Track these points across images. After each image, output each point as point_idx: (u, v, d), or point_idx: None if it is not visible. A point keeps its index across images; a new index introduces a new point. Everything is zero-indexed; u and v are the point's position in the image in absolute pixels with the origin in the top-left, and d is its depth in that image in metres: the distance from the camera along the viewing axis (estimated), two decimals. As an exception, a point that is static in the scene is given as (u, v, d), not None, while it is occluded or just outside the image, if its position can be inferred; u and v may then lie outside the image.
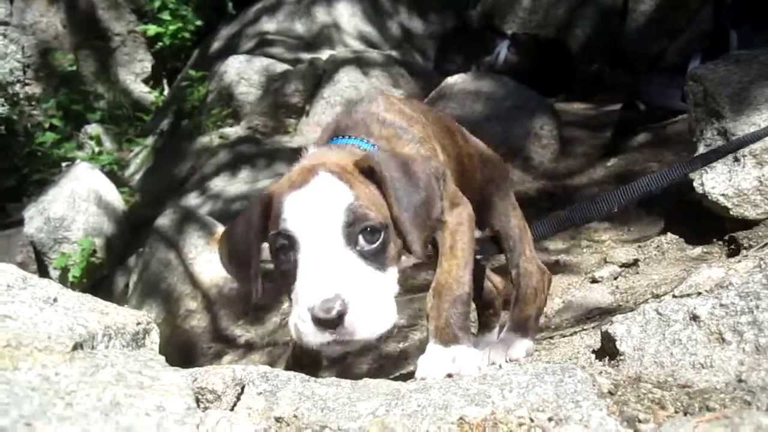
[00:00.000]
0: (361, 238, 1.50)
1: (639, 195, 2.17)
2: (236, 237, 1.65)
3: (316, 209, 1.49)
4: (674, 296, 1.75)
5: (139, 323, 1.30)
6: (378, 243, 1.51)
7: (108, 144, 7.48)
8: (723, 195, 2.79)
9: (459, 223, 1.68)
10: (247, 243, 1.60)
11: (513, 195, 2.12)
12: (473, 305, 1.99)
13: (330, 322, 1.40)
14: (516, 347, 1.90)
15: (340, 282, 1.43)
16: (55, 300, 1.22)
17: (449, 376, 1.46)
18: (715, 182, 2.83)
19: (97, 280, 5.63)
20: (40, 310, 1.17)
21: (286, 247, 1.51)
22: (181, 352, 4.28)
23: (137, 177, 6.93)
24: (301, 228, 1.49)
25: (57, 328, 1.11)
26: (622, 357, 1.50)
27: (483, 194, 2.01)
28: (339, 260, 1.46)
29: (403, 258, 1.64)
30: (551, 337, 2.22)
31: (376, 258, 1.51)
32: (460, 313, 1.62)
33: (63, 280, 5.56)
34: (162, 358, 1.23)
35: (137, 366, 1.13)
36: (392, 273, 1.57)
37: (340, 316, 1.40)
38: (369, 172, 1.57)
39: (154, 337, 1.35)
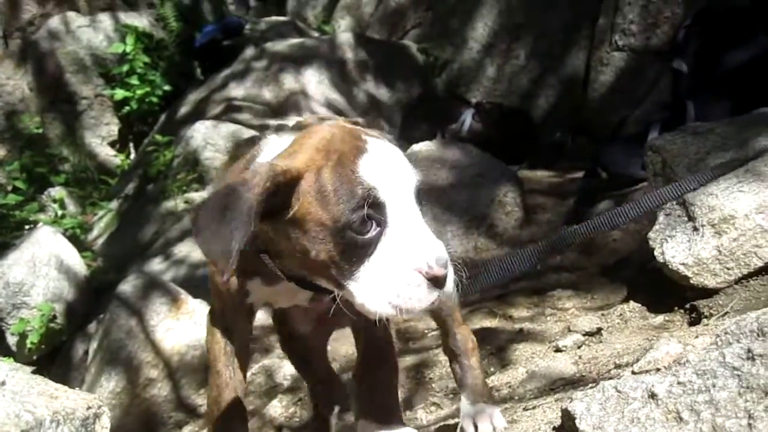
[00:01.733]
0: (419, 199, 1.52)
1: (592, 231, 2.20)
2: (228, 206, 1.47)
3: (400, 172, 1.48)
4: (633, 372, 1.75)
5: (89, 407, 1.27)
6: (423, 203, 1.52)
7: (72, 207, 7.42)
8: (683, 264, 2.83)
9: None
10: (242, 215, 1.43)
11: None
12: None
13: (443, 278, 1.41)
14: (497, 417, 1.98)
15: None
16: (2, 383, 1.19)
17: None
18: (675, 251, 2.87)
19: (56, 347, 5.52)
20: (-13, 395, 1.14)
21: (372, 216, 1.44)
22: (142, 421, 4.20)
23: (100, 241, 6.86)
24: (391, 192, 1.45)
25: (3, 415, 1.08)
26: (581, 436, 1.49)
27: None
28: (423, 220, 1.48)
29: None
30: (514, 410, 2.21)
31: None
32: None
33: (21, 345, 5.45)
34: (112, 445, 1.20)
35: (85, 454, 1.10)
36: None
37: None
38: None
39: (105, 422, 1.31)
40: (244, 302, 1.79)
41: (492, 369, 3.22)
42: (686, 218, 2.90)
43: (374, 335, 1.75)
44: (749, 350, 1.45)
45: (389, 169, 1.47)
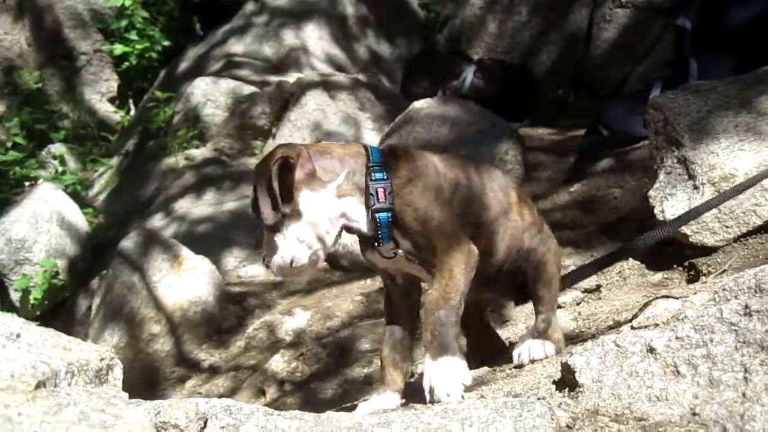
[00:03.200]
0: None
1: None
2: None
3: None
4: (632, 328, 1.78)
5: (102, 359, 1.30)
6: None
7: (72, 164, 7.40)
8: (682, 222, 2.85)
9: (451, 250, 1.87)
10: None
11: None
12: None
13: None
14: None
15: None
16: (18, 336, 1.22)
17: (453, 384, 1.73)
18: (675, 209, 2.89)
19: (58, 303, 5.56)
20: (3, 347, 1.16)
21: None
22: (144, 376, 4.25)
23: (101, 198, 6.87)
24: None
25: (20, 366, 1.11)
26: (581, 389, 1.52)
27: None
28: None
29: None
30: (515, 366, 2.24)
31: None
32: (445, 324, 1.80)
33: (24, 301, 5.49)
34: (125, 395, 1.23)
35: (100, 404, 1.13)
36: None
37: None
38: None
39: (118, 373, 1.35)
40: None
41: (492, 325, 3.26)
42: (687, 176, 2.92)
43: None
44: (746, 306, 1.47)
45: None
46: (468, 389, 1.80)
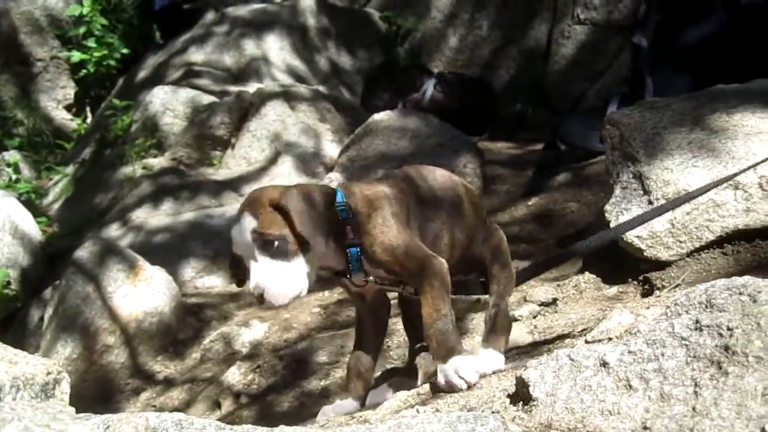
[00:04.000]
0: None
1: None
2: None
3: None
4: (586, 342, 1.80)
5: (49, 373, 1.27)
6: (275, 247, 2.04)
7: (26, 172, 7.28)
8: (638, 237, 2.89)
9: (424, 270, 2.05)
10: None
11: None
12: None
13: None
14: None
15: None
16: (-40, 349, 1.19)
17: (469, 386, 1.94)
18: (630, 224, 2.92)
19: (10, 313, 5.43)
20: (-56, 360, 1.13)
21: None
22: (98, 388, 4.18)
23: (56, 206, 6.75)
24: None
25: (-39, 380, 1.08)
26: (535, 402, 1.53)
27: None
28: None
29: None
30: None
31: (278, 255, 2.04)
32: (445, 332, 2.00)
33: (-26, 312, 5.37)
34: (72, 410, 1.20)
35: (45, 419, 1.10)
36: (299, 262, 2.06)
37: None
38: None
39: (65, 387, 1.32)
40: None
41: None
42: (642, 191, 2.96)
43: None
44: (697, 321, 1.50)
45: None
46: (422, 402, 1.82)
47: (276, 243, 2.02)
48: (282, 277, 2.02)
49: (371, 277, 2.14)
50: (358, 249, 2.09)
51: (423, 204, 2.23)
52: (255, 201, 2.09)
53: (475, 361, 2.00)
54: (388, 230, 2.09)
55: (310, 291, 2.13)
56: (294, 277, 2.04)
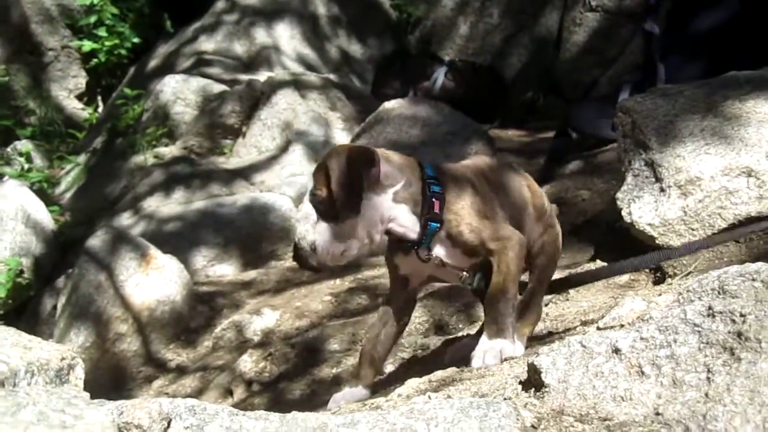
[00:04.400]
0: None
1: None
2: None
3: None
4: (598, 328, 1.80)
5: (63, 358, 1.28)
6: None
7: (38, 161, 7.31)
8: (650, 224, 2.88)
9: (504, 248, 2.10)
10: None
11: None
12: None
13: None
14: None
15: None
16: (-25, 334, 1.20)
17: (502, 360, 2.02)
18: (642, 212, 2.92)
19: (23, 301, 5.48)
20: (-40, 346, 1.14)
21: None
22: (111, 376, 4.21)
23: (68, 195, 6.78)
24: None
25: (-23, 365, 1.09)
26: (546, 389, 1.53)
27: None
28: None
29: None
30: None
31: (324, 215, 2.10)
32: (503, 314, 2.07)
33: (-12, 300, 5.40)
34: (86, 395, 1.21)
35: (60, 404, 1.11)
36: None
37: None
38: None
39: (79, 373, 1.33)
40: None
41: (461, 325, 3.27)
42: (654, 179, 2.94)
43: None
44: (710, 307, 1.49)
45: None
46: (434, 389, 1.81)
47: (320, 203, 2.08)
48: (327, 237, 2.09)
49: (434, 255, 2.12)
50: (439, 225, 2.09)
51: (496, 196, 2.24)
52: (320, 161, 2.15)
53: (511, 348, 2.06)
54: (474, 213, 2.11)
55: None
56: (338, 237, 2.08)
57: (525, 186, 2.40)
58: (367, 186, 2.05)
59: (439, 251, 2.13)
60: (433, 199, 2.08)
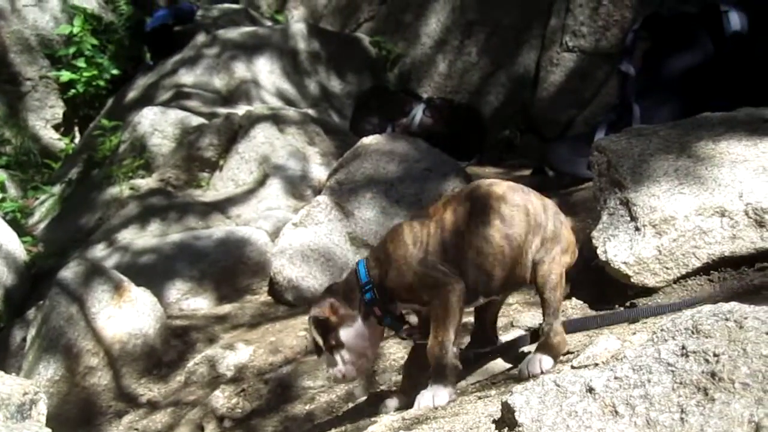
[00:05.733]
0: None
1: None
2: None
3: None
4: (573, 367, 1.79)
5: (26, 393, 1.25)
6: None
7: (12, 191, 7.24)
8: (624, 263, 2.89)
9: (434, 297, 2.34)
10: None
11: None
12: None
13: None
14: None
15: None
16: (-64, 367, 1.16)
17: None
18: (617, 250, 2.93)
19: (-7, 333, 5.39)
20: None
21: None
22: (80, 410, 4.13)
23: (41, 226, 6.71)
24: None
25: (-64, 400, 1.06)
26: (520, 428, 1.52)
27: None
28: None
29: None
30: (456, 403, 2.23)
31: None
32: (438, 365, 2.31)
33: (-44, 331, 5.30)
34: (48, 431, 1.18)
35: (21, 440, 1.08)
36: None
37: None
38: None
39: (41, 408, 1.29)
40: None
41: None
42: (629, 218, 2.97)
43: None
44: (683, 347, 1.49)
45: None
46: (407, 427, 1.80)
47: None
48: (332, 365, 2.55)
49: (408, 326, 2.52)
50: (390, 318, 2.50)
51: (474, 219, 2.40)
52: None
53: (444, 395, 2.28)
54: (400, 273, 2.40)
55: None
56: (338, 363, 2.53)
57: (529, 206, 2.46)
58: (340, 325, 2.48)
59: (411, 319, 2.56)
60: (372, 308, 2.46)
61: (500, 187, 2.48)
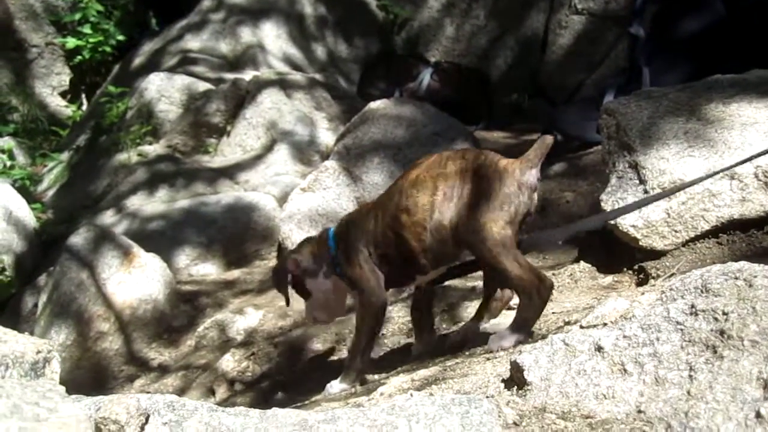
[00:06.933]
0: None
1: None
2: None
3: None
4: (581, 327, 1.79)
5: (39, 351, 1.26)
6: None
7: (21, 158, 7.24)
8: (633, 226, 2.88)
9: (360, 316, 2.73)
10: None
11: None
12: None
13: None
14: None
15: None
16: (-51, 327, 1.18)
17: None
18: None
19: (4, 299, 5.42)
20: (-67, 337, 1.12)
21: None
22: (92, 374, 4.17)
23: (50, 193, 6.72)
24: None
25: (-50, 357, 1.07)
26: (529, 387, 1.53)
27: None
28: None
29: None
30: (465, 364, 2.24)
31: None
32: (350, 360, 2.76)
33: (-32, 298, 5.35)
34: (62, 389, 1.19)
35: (35, 397, 1.09)
36: None
37: None
38: None
39: (55, 366, 1.30)
40: None
41: (444, 326, 3.26)
42: (638, 181, 2.95)
43: None
44: (692, 306, 1.49)
45: None
46: (417, 387, 1.81)
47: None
48: (306, 310, 3.03)
49: None
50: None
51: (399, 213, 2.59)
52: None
53: (338, 389, 2.70)
54: (349, 264, 2.73)
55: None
56: (311, 310, 3.01)
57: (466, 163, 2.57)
58: (305, 277, 2.84)
59: None
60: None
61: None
